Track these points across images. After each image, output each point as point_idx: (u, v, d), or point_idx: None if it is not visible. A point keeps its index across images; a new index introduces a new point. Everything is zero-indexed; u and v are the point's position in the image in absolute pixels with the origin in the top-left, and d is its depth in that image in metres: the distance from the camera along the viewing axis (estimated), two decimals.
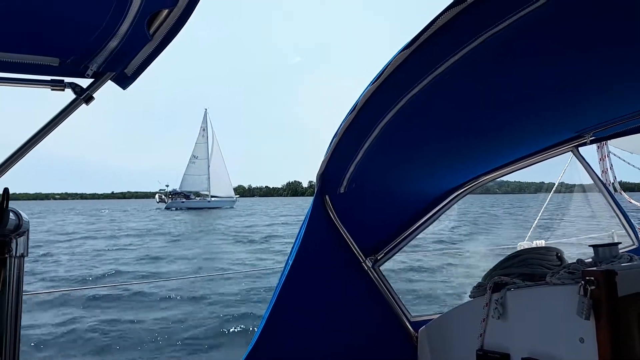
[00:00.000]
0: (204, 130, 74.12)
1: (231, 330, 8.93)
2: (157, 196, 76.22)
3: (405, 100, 1.66)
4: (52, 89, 1.49)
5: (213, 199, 72.29)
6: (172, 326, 9.28)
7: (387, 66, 1.48)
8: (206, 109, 75.83)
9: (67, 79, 1.49)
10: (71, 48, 1.38)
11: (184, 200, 71.06)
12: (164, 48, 1.45)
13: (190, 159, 73.59)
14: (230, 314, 9.96)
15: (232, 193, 77.33)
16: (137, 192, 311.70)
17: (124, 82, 1.57)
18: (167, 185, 75.76)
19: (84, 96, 1.50)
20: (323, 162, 2.00)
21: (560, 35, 1.43)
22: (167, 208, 70.33)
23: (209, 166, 72.65)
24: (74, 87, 1.49)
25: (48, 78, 1.47)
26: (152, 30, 1.33)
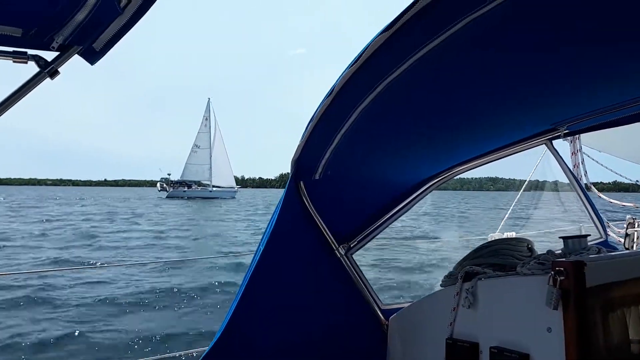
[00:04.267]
0: (206, 119, 72.24)
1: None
2: (158, 185, 74.68)
3: (382, 86, 1.53)
4: (14, 61, 1.33)
5: (214, 189, 71.06)
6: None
7: (366, 49, 1.35)
8: (209, 99, 74.15)
9: (30, 51, 1.34)
10: (35, 18, 1.22)
11: (186, 189, 70.15)
12: (135, 23, 1.31)
13: (192, 148, 71.97)
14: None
15: (234, 183, 76.22)
16: (130, 180, 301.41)
17: (92, 57, 1.41)
18: (169, 174, 74.42)
19: (48, 70, 1.34)
20: (298, 147, 1.86)
21: (539, 29, 1.34)
22: (169, 197, 68.91)
23: (210, 156, 71.22)
24: (38, 60, 1.33)
25: (10, 49, 1.31)
26: (122, 4, 1.19)
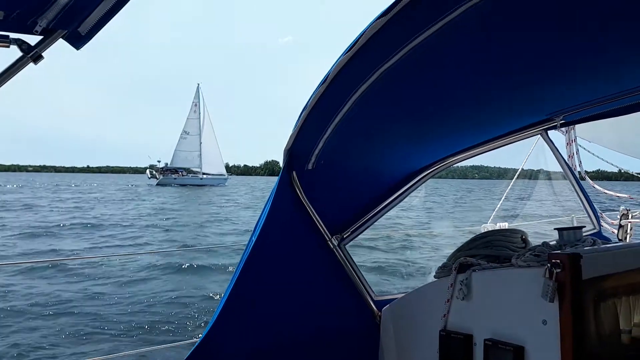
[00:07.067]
0: (195, 105, 70.50)
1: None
2: (147, 172, 72.70)
3: (377, 74, 1.49)
4: None
5: (204, 176, 70.00)
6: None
7: (362, 35, 1.31)
8: (199, 84, 72.13)
9: (13, 35, 1.28)
10: (17, 0, 1.16)
11: (176, 177, 69.04)
12: (122, 6, 1.25)
13: (181, 134, 70.26)
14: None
15: (224, 170, 74.98)
16: (114, 167, 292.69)
17: (77, 41, 1.35)
18: (158, 161, 72.15)
19: (31, 54, 1.28)
20: (291, 136, 1.82)
21: (535, 19, 1.32)
22: (160, 184, 67.33)
23: (200, 142, 69.85)
24: (21, 44, 1.27)
25: None
26: None
